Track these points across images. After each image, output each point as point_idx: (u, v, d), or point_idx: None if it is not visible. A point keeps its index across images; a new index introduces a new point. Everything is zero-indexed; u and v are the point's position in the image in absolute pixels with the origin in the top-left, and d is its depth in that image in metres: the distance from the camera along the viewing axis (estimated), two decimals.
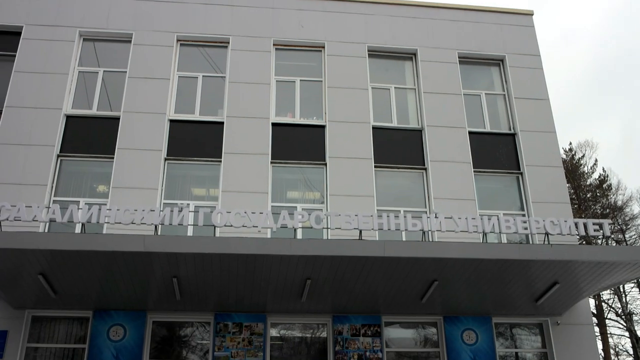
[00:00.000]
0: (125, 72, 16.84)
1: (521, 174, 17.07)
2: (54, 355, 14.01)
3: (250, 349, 14.11)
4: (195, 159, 16.07)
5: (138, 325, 13.99)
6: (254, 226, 12.11)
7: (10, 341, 13.61)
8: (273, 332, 14.76)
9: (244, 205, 13.87)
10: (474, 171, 16.74)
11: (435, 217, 12.75)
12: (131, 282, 12.75)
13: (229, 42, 17.61)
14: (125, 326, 13.93)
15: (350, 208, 14.45)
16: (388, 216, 12.58)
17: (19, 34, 16.89)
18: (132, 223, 12.00)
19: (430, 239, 14.62)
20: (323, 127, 16.84)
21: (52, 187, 15.23)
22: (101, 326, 13.89)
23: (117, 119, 16.15)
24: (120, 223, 12.02)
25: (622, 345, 35.65)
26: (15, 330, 13.74)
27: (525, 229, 12.84)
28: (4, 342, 13.58)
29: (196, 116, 16.72)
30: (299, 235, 12.77)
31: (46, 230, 14.21)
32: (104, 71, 17.03)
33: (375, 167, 16.39)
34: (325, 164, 16.27)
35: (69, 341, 14.14)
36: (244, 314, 14.35)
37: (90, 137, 16.04)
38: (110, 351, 13.67)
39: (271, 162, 16.07)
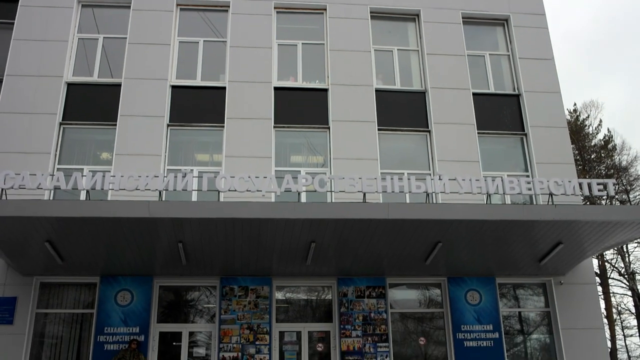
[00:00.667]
0: (126, 38, 16.69)
1: (525, 135, 16.98)
2: (63, 320, 14.23)
3: (256, 311, 14.28)
4: (198, 124, 16.02)
5: (145, 290, 14.16)
6: (258, 190, 12.12)
7: (19, 307, 13.81)
8: (279, 295, 14.92)
9: (248, 170, 13.87)
10: (478, 133, 16.65)
11: (439, 179, 12.72)
12: (137, 248, 12.84)
13: (229, 6, 17.37)
14: (132, 291, 14.10)
15: (353, 171, 14.45)
16: (392, 179, 12.55)
17: (17, 1, 16.69)
18: (137, 189, 12.03)
19: (434, 201, 14.62)
20: (326, 90, 16.71)
21: (55, 155, 15.24)
22: (109, 291, 14.06)
23: (119, 85, 16.06)
24: (124, 189, 12.06)
25: (625, 304, 36.00)
26: (24, 296, 13.92)
27: (529, 189, 12.81)
28: (14, 308, 13.77)
29: (198, 82, 16.60)
30: (303, 199, 12.76)
31: (51, 198, 14.28)
32: (103, 38, 16.88)
33: (378, 130, 16.32)
34: (329, 128, 16.20)
35: (78, 306, 14.34)
36: (249, 278, 14.49)
37: (92, 104, 15.98)
38: (118, 315, 13.87)
39: (274, 127, 16.01)
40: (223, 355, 13.88)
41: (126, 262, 13.61)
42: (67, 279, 14.29)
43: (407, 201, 14.68)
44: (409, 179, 12.63)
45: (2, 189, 11.76)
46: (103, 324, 13.77)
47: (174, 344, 14.23)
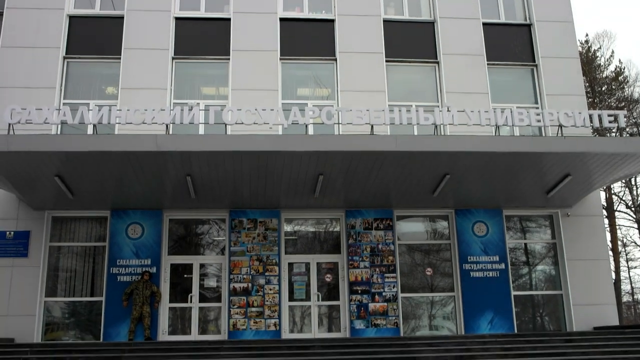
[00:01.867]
0: None
1: (536, 66, 16.70)
2: (76, 253, 14.54)
3: (265, 243, 14.52)
4: (203, 57, 15.83)
5: (155, 223, 14.39)
6: (265, 123, 12.10)
7: (33, 241, 14.11)
8: (287, 228, 15.13)
9: (254, 103, 13.76)
10: (488, 64, 16.39)
11: (448, 110, 12.63)
12: (146, 182, 12.95)
13: None
14: (142, 224, 14.34)
15: (361, 104, 14.33)
16: (400, 110, 12.48)
17: None
18: (143, 123, 12.03)
19: (442, 133, 14.57)
20: (332, 21, 16.38)
21: (60, 89, 15.17)
22: (119, 225, 14.30)
23: (121, 18, 15.79)
24: (131, 123, 12.05)
25: (631, 237, 36.31)
26: (37, 230, 14.20)
27: (539, 121, 12.72)
28: (28, 242, 14.07)
29: (202, 13, 16.30)
30: (311, 132, 12.74)
31: (58, 133, 14.30)
32: None
33: (386, 61, 16.08)
34: (335, 60, 15.98)
35: (90, 239, 14.63)
36: (258, 210, 14.67)
37: (96, 37, 15.77)
38: (129, 248, 14.16)
39: (280, 59, 15.81)
40: (233, 286, 14.22)
41: (136, 196, 13.76)
42: (79, 213, 14.53)
43: (415, 133, 14.62)
44: (417, 110, 12.55)
45: (9, 124, 11.79)
46: (115, 257, 14.08)
47: (185, 276, 14.57)
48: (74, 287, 14.32)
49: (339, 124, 13.08)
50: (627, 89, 33.93)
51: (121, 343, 12.62)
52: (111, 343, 12.75)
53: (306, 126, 12.39)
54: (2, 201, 14.19)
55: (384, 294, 14.48)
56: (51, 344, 13.12)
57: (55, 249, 14.46)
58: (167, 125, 12.29)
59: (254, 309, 14.12)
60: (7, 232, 14.05)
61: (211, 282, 14.70)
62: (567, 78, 16.43)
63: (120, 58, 15.39)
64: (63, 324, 14.18)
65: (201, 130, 14.29)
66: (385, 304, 14.42)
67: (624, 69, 34.89)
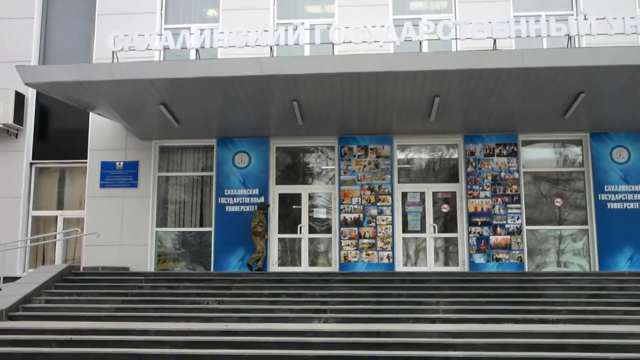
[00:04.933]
0: None
1: None
2: (184, 184, 15.31)
3: (377, 172, 14.57)
4: None
5: (262, 151, 14.80)
6: (375, 41, 11.91)
7: (142, 171, 15.01)
8: (400, 155, 15.06)
9: (363, 20, 13.47)
10: None
11: (585, 18, 11.79)
12: (251, 108, 13.24)
13: None
14: (249, 153, 14.80)
15: (482, 15, 13.63)
16: (527, 21, 11.84)
17: None
18: (246, 46, 12.17)
19: (577, 45, 13.69)
20: None
21: (161, 14, 15.58)
22: (226, 154, 14.84)
23: None
24: (234, 46, 12.22)
25: None
26: (145, 160, 15.06)
27: None
28: (137, 172, 14.97)
29: None
30: (425, 49, 12.38)
31: (161, 59, 14.81)
32: None
33: None
34: None
35: (197, 169, 15.32)
36: (368, 137, 14.68)
37: None
38: (237, 177, 14.70)
39: None
40: (344, 217, 14.46)
41: (241, 124, 14.16)
42: (185, 142, 15.21)
43: (545, 47, 13.86)
44: (547, 20, 11.84)
45: (113, 52, 12.34)
46: (223, 186, 14.71)
47: (294, 206, 14.96)
48: (184, 217, 15.16)
49: (456, 39, 12.58)
50: None
51: (232, 273, 13.29)
52: (222, 273, 13.45)
53: (420, 43, 12.06)
54: (110, 131, 15.07)
55: (506, 226, 14.21)
56: (164, 273, 14.08)
57: (164, 179, 15.28)
58: (271, 48, 12.38)
59: (365, 241, 14.35)
60: (117, 163, 14.97)
61: (321, 213, 15.02)
62: None
63: None
64: (174, 254, 15.15)
65: (307, 52, 14.30)
66: (508, 236, 14.17)
67: None
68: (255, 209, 14.25)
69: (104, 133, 15.10)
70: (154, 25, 15.27)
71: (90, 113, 14.64)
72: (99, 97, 12.77)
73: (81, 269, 14.14)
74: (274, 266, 14.60)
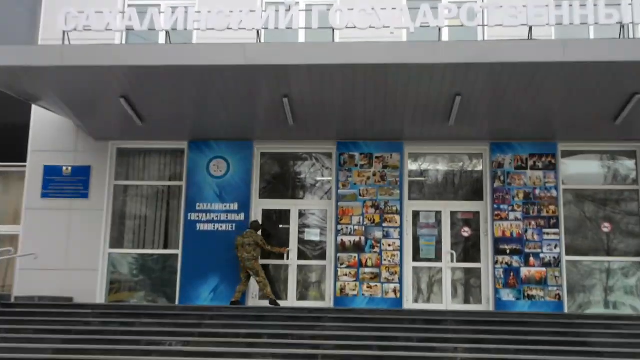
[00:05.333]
0: None
1: None
2: (146, 195, 15.38)
3: (383, 185, 14.68)
4: None
5: (243, 158, 14.90)
6: (384, 27, 12.07)
7: (94, 179, 15.03)
8: (412, 166, 15.21)
9: (370, 1, 13.61)
10: None
11: None
12: (232, 105, 13.36)
13: None
14: (228, 159, 14.90)
15: None
16: (570, 5, 12.00)
17: None
18: (228, 29, 12.30)
19: (632, 36, 13.86)
20: None
21: None
22: (199, 160, 14.93)
23: None
24: (213, 29, 12.34)
25: None
26: (99, 165, 15.10)
27: None
28: (88, 180, 15.00)
29: None
30: (445, 38, 12.50)
31: (123, 42, 14.93)
32: None
33: None
34: None
35: (163, 178, 15.43)
36: (374, 143, 14.80)
37: None
38: (212, 189, 14.79)
39: None
40: (342, 240, 14.56)
41: (219, 124, 14.28)
42: (150, 145, 15.32)
43: (591, 37, 14.08)
44: (595, 5, 12.02)
45: (64, 32, 12.43)
46: (194, 199, 14.78)
47: (281, 226, 15.07)
48: (144, 237, 15.21)
49: (483, 26, 12.78)
50: None
51: (202, 307, 13.34)
52: (189, 307, 13.52)
53: (439, 30, 12.22)
54: (57, 129, 15.12)
55: (541, 255, 14.32)
56: (117, 305, 14.10)
57: (121, 189, 15.35)
58: (258, 32, 12.48)
59: (367, 270, 14.43)
60: (64, 168, 15.03)
61: (313, 234, 15.11)
62: None
63: None
64: (131, 282, 15.20)
65: (301, 38, 14.44)
66: (544, 269, 14.27)
67: None
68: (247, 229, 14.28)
69: (48, 131, 15.15)
70: (116, 1, 15.34)
71: (33, 106, 14.70)
72: (45, 86, 12.84)
73: (12, 299, 14.10)
74: (253, 299, 14.63)
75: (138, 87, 12.72)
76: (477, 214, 14.90)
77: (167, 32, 12.63)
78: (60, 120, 14.96)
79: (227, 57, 11.80)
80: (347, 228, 14.61)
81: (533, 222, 14.43)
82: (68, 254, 14.70)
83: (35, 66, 12.11)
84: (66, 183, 15.02)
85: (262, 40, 12.74)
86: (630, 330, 11.85)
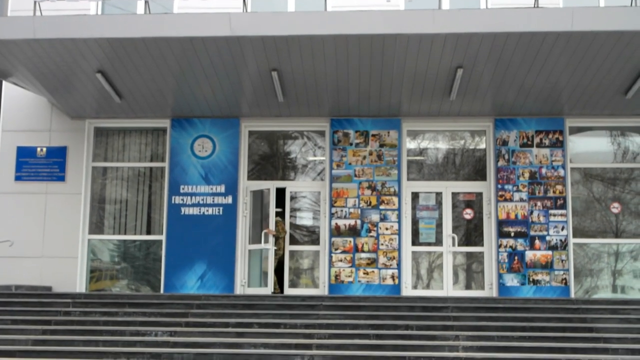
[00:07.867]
0: None
1: None
2: (126, 177, 15.28)
3: (380, 165, 14.61)
4: None
5: (230, 136, 14.80)
6: None
7: (71, 160, 14.94)
8: (411, 144, 15.14)
9: None
10: None
11: None
12: (217, 80, 13.22)
13: None
14: (213, 138, 14.80)
15: None
16: None
17: None
18: None
19: None
20: None
21: None
22: (183, 139, 14.82)
23: None
24: None
25: None
26: (75, 146, 15.00)
27: None
28: (64, 162, 14.88)
29: None
30: (446, 6, 12.40)
31: (99, 13, 14.74)
32: None
33: None
34: None
35: (144, 159, 15.31)
36: (370, 120, 14.72)
37: None
38: (196, 170, 14.71)
39: None
40: (336, 223, 14.50)
41: (204, 100, 14.14)
42: (129, 123, 15.20)
43: (601, 5, 13.99)
44: None
45: (35, 2, 12.28)
46: (178, 182, 14.69)
47: (271, 209, 14.97)
48: (126, 222, 15.17)
49: None
50: None
51: (188, 295, 13.33)
52: (175, 295, 13.47)
53: None
54: (31, 107, 15.01)
55: (547, 238, 14.31)
56: (98, 294, 14.08)
57: (100, 171, 15.26)
58: (244, 1, 12.31)
59: (364, 255, 14.40)
60: (38, 149, 14.91)
61: (305, 218, 15.08)
62: None
63: None
64: (112, 270, 15.15)
65: (291, 7, 14.31)
66: (550, 252, 14.27)
67: None
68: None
69: (21, 109, 15.05)
70: None
71: (4, 82, 14.57)
72: (16, 61, 12.66)
73: None
74: (242, 287, 14.59)
75: (116, 61, 12.57)
76: (479, 194, 14.88)
77: (146, 1, 12.50)
78: (33, 98, 14.84)
79: (211, 27, 11.68)
80: (341, 211, 14.54)
81: (539, 203, 14.41)
82: (45, 240, 14.65)
83: (5, 39, 11.93)
84: (41, 165, 14.94)
85: (249, 10, 12.60)
86: (638, 315, 11.92)
